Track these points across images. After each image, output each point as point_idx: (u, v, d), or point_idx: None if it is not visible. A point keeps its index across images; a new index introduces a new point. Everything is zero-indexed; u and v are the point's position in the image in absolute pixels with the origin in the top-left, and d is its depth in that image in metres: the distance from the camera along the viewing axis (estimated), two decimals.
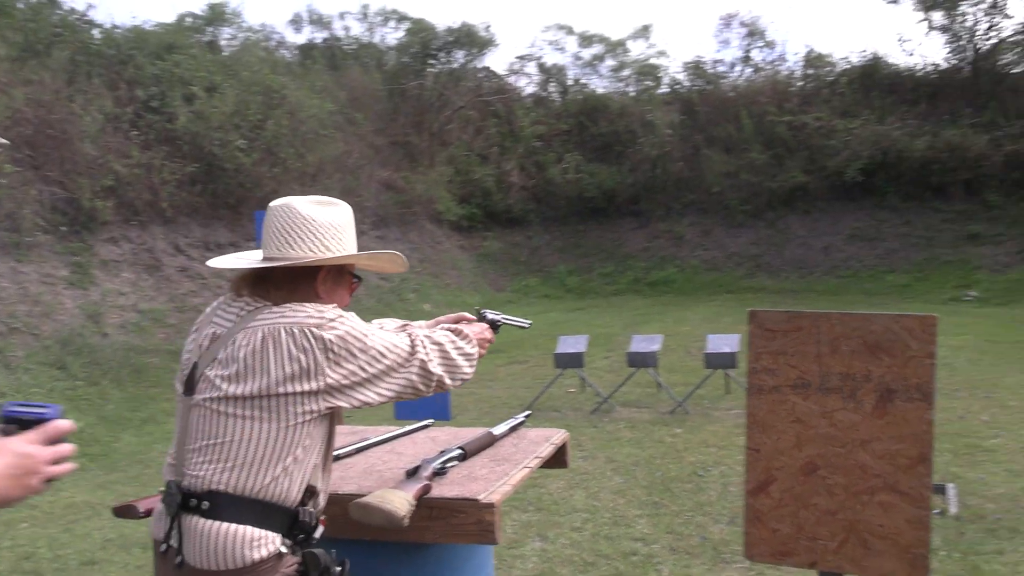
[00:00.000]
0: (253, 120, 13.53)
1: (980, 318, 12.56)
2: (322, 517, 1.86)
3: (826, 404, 3.09)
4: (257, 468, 1.71)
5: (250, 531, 1.69)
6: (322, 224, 1.89)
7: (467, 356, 2.05)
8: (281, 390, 1.72)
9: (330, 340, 1.75)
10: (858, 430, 3.01)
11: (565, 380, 8.90)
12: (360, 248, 2.05)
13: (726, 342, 7.67)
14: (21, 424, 1.37)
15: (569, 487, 5.46)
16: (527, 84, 25.05)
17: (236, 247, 12.99)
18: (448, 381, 1.98)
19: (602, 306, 16.87)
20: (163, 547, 1.76)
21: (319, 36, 22.56)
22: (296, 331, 1.75)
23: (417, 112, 20.96)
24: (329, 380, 1.76)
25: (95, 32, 13.46)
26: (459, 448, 2.45)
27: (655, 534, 4.56)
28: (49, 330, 9.17)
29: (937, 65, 20.97)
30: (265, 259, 1.91)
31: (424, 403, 5.84)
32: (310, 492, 1.81)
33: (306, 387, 1.74)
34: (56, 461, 1.37)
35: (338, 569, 1.80)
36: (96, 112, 11.55)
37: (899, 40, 28.36)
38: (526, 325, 2.67)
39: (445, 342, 1.99)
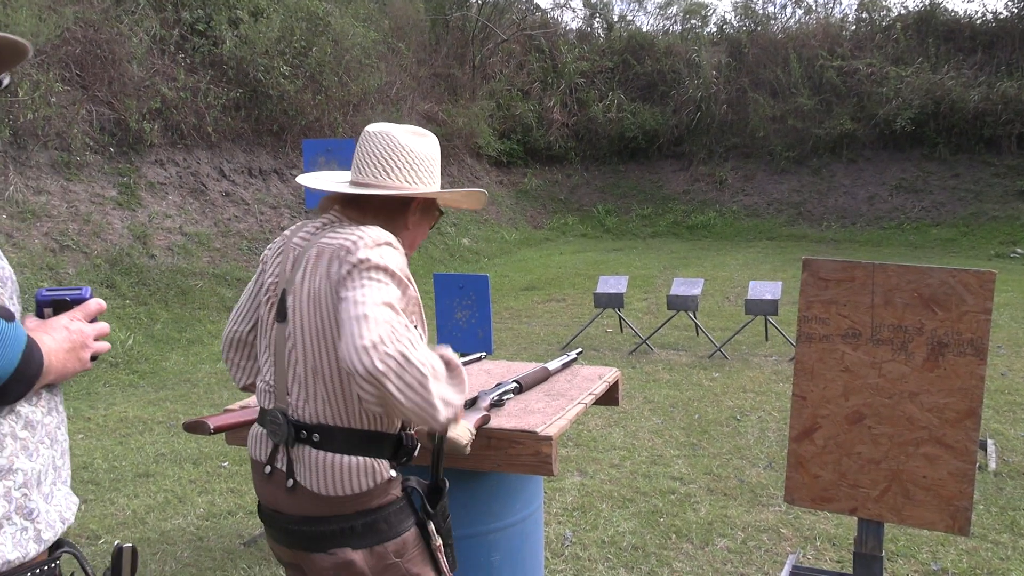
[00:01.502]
0: (298, 47, 13.46)
1: None
2: (416, 431, 1.88)
3: (876, 355, 3.11)
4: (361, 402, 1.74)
5: (362, 461, 1.75)
6: (419, 156, 1.92)
7: (444, 396, 1.63)
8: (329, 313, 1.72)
9: (358, 260, 1.68)
10: (907, 382, 3.02)
11: (603, 320, 8.94)
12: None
13: (768, 289, 7.64)
14: (57, 306, 1.43)
15: (608, 425, 5.54)
16: (572, 19, 24.64)
17: (279, 174, 13.07)
18: (391, 388, 1.52)
19: (640, 248, 16.81)
20: (267, 469, 1.83)
21: None
22: (335, 248, 1.74)
23: (460, 44, 20.71)
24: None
25: None
26: (515, 381, 2.51)
27: (692, 474, 4.63)
28: (99, 249, 9.36)
29: (997, 13, 20.26)
30: (356, 183, 1.93)
31: (466, 338, 5.94)
32: None
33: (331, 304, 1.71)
34: (98, 337, 1.45)
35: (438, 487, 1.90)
36: (143, 33, 11.56)
37: None
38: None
39: (429, 374, 1.57)
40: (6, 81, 1.36)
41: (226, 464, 4.93)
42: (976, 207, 17.04)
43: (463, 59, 20.46)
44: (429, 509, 1.85)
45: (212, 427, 2.20)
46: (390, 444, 1.80)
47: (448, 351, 1.73)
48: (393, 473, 1.80)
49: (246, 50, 12.54)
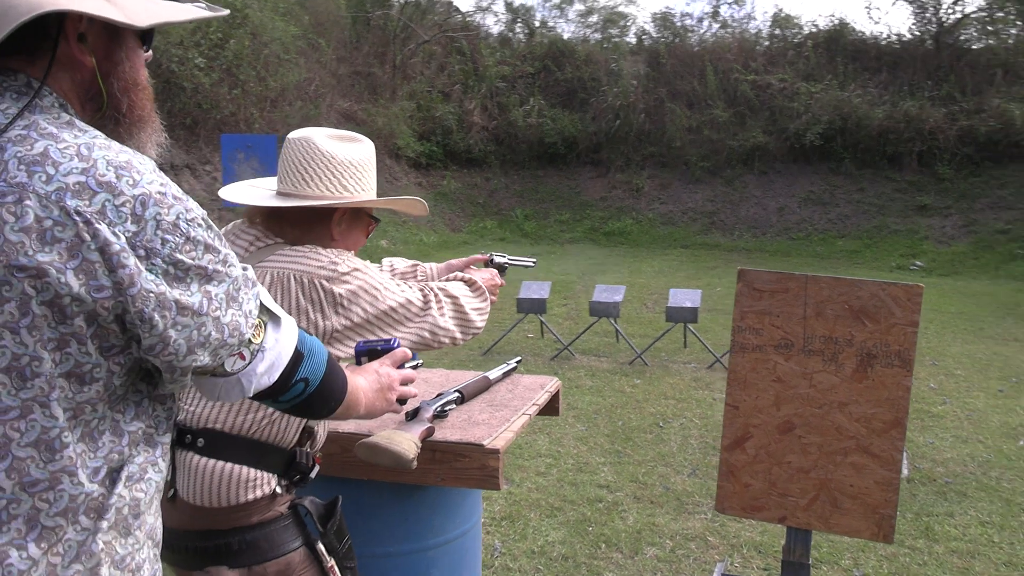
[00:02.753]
0: (214, 39, 13.08)
1: (925, 288, 12.88)
2: (318, 455, 1.84)
3: (807, 365, 3.15)
4: (254, 407, 1.68)
5: (245, 471, 1.66)
6: (341, 162, 1.81)
7: (479, 310, 2.04)
8: None
9: (340, 294, 1.73)
10: (836, 392, 3.08)
11: (524, 325, 8.93)
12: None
13: (688, 296, 7.74)
14: (371, 355, 1.65)
15: (532, 432, 5.51)
16: (494, 23, 24.69)
17: (192, 169, 12.65)
18: (459, 335, 1.96)
19: (558, 253, 16.90)
20: None
21: None
22: (306, 281, 1.71)
23: (381, 43, 20.48)
24: (335, 334, 1.74)
25: None
26: (456, 391, 2.44)
27: (619, 482, 4.63)
28: None
29: (901, 35, 21.17)
30: (279, 193, 1.84)
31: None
32: (307, 433, 1.79)
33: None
34: (404, 382, 1.64)
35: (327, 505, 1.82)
36: None
37: (866, 7, 28.53)
38: (531, 264, 2.70)
39: (460, 295, 1.98)
40: None
41: None
42: (879, 221, 17.73)
43: (384, 58, 20.25)
44: (319, 528, 1.76)
45: None
46: (280, 458, 1.73)
47: (464, 275, 2.14)
48: (278, 489, 1.72)
49: (158, 39, 12.08)
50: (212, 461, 1.65)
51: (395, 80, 20.21)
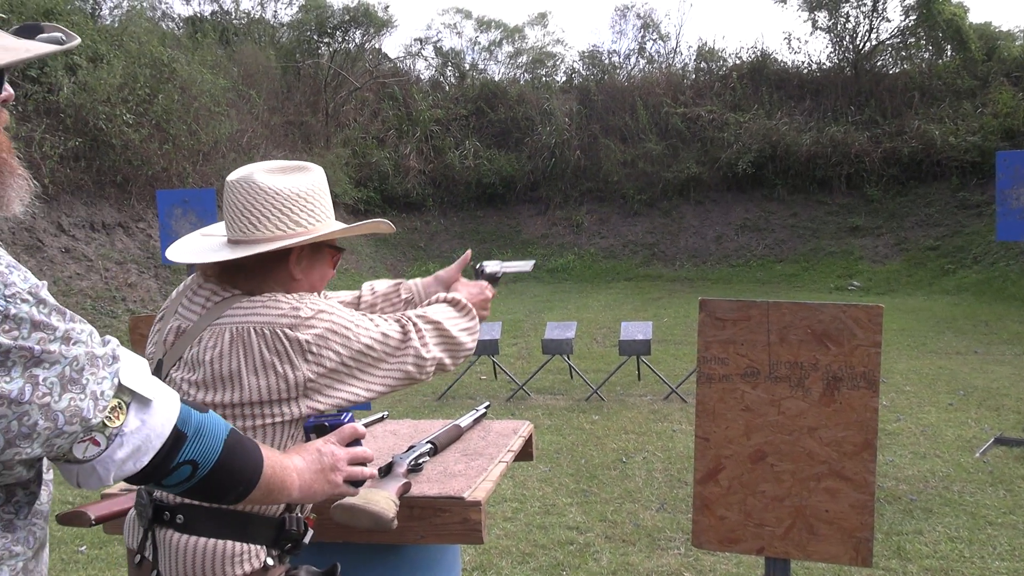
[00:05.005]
0: (142, 94, 12.84)
1: None
2: (310, 518, 1.71)
3: (775, 392, 3.13)
4: None
5: (230, 546, 1.54)
6: (287, 196, 1.66)
7: (467, 330, 1.90)
8: (256, 398, 1.55)
9: (307, 340, 1.57)
10: (805, 418, 3.06)
11: (477, 367, 8.83)
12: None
13: (639, 329, 7.75)
14: (319, 431, 1.54)
15: None
16: (425, 68, 24.80)
17: (124, 228, 12.33)
18: (448, 361, 1.83)
19: (503, 292, 16.86)
20: (137, 558, 1.60)
21: (207, 9, 21.66)
22: (267, 332, 1.56)
23: (312, 92, 20.41)
24: (309, 383, 1.58)
25: None
26: (429, 442, 2.34)
27: (588, 522, 4.55)
28: None
29: (821, 64, 21.88)
30: (229, 241, 1.71)
31: None
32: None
33: (284, 394, 1.57)
34: (354, 462, 1.52)
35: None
36: None
37: (786, 38, 29.54)
38: (529, 268, 2.59)
39: (442, 319, 1.83)
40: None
41: (84, 549, 4.46)
42: (814, 244, 18.14)
43: (316, 107, 20.17)
44: None
45: (93, 517, 1.93)
46: (268, 528, 1.60)
47: (447, 295, 2.01)
48: (270, 561, 1.59)
49: (85, 97, 11.84)
50: (193, 538, 1.54)
51: (329, 128, 20.12)
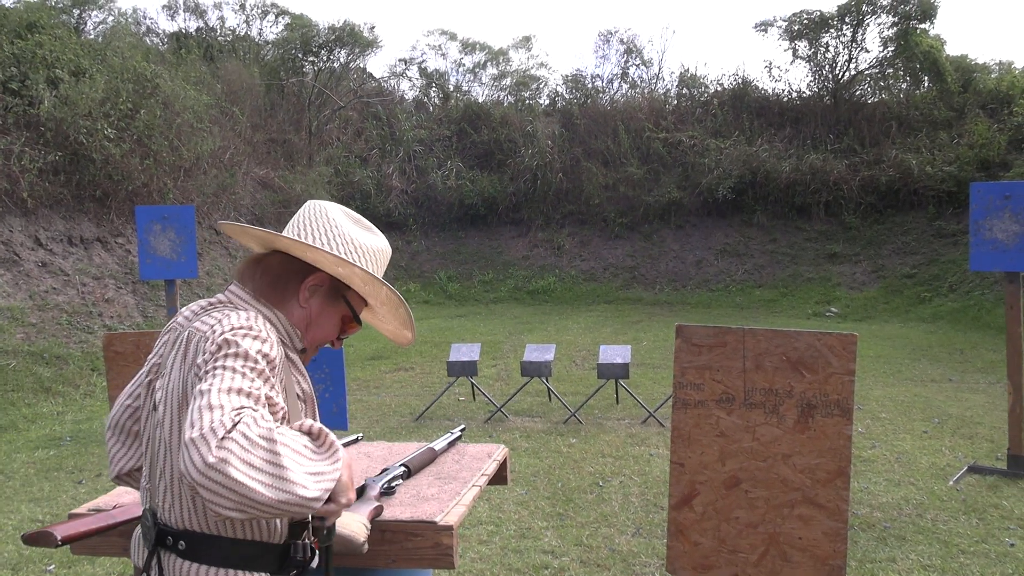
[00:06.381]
0: (124, 109, 12.78)
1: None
2: (315, 540, 1.67)
3: (749, 419, 3.15)
4: None
5: (232, 574, 1.53)
6: (346, 235, 1.74)
7: (317, 476, 1.39)
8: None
9: (222, 340, 1.48)
10: (780, 444, 3.07)
11: (455, 388, 8.81)
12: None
13: (618, 353, 7.76)
14: None
15: None
16: (409, 88, 24.88)
17: (103, 242, 12.23)
18: (237, 476, 1.26)
19: (483, 313, 16.86)
20: None
21: (192, 25, 21.66)
22: (200, 334, 1.55)
23: (296, 110, 20.41)
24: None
25: None
26: (402, 465, 2.34)
27: (563, 546, 4.53)
28: None
29: (801, 92, 22.14)
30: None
31: (319, 412, 5.64)
32: (300, 525, 1.63)
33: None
34: None
35: None
36: None
37: (767, 66, 29.89)
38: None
39: (291, 445, 1.37)
40: None
41: (52, 568, 4.39)
42: (793, 270, 18.27)
43: (299, 125, 20.16)
44: None
45: (59, 538, 1.90)
46: (272, 555, 1.58)
47: (309, 422, 1.46)
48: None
49: (66, 111, 11.78)
50: (196, 565, 1.52)
51: (311, 146, 20.11)
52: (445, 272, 19.84)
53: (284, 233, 1.74)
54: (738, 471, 3.18)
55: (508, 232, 21.10)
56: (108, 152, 12.22)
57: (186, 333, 1.60)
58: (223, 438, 1.25)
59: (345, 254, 1.75)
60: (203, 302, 1.71)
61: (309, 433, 1.43)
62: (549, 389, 8.30)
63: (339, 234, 1.76)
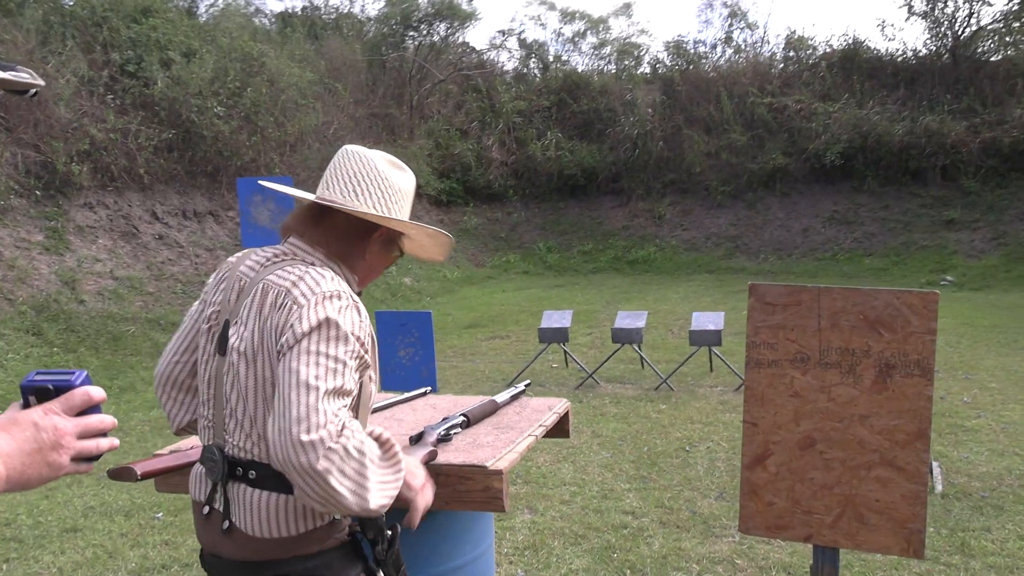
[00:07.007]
0: (232, 87, 13.29)
1: (956, 302, 12.68)
2: None
3: (825, 379, 3.08)
4: None
5: (295, 499, 1.62)
6: (394, 186, 1.81)
7: (384, 485, 1.56)
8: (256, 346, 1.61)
9: (323, 319, 1.55)
10: (856, 405, 3.00)
11: (548, 355, 8.88)
12: None
13: (711, 320, 7.67)
14: (40, 394, 1.18)
15: (556, 460, 5.45)
16: (508, 60, 24.93)
17: (214, 216, 12.81)
18: (334, 484, 1.44)
19: (582, 283, 16.86)
20: (206, 510, 1.71)
21: (297, 4, 22.26)
22: (280, 289, 1.62)
23: (397, 85, 20.74)
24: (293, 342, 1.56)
25: None
26: (462, 415, 2.41)
27: (644, 508, 4.55)
28: (24, 295, 8.99)
29: (917, 51, 21.07)
30: (321, 199, 1.81)
31: (410, 376, 5.80)
32: None
33: (272, 348, 1.59)
34: (86, 434, 1.18)
35: (389, 532, 1.75)
36: (71, 75, 11.29)
37: (880, 25, 28.56)
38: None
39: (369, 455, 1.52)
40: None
41: (160, 515, 4.70)
42: (906, 237, 17.53)
43: (400, 99, 20.49)
44: (379, 556, 1.71)
45: (139, 473, 2.05)
46: None
47: (379, 430, 1.59)
48: (337, 515, 1.67)
49: (178, 91, 12.33)
50: (266, 493, 1.62)
51: (412, 120, 20.42)
52: (545, 243, 19.90)
53: (334, 186, 1.79)
54: (813, 431, 3.13)
55: (608, 202, 20.96)
56: (218, 129, 12.75)
57: (260, 284, 1.66)
58: (330, 448, 1.42)
59: (401, 211, 1.84)
60: (265, 252, 1.79)
61: (378, 441, 1.58)
62: (641, 356, 8.28)
63: (389, 186, 1.81)
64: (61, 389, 1.18)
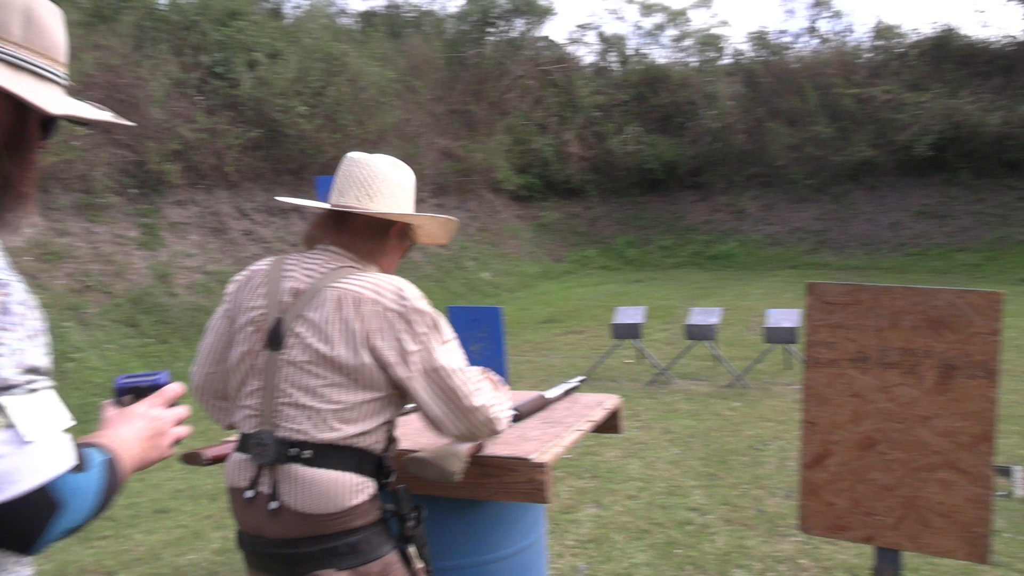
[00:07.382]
0: (314, 87, 13.66)
1: None
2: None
3: (885, 379, 3.05)
4: (356, 423, 1.80)
5: (351, 477, 1.78)
6: (398, 183, 2.00)
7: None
8: (367, 360, 1.79)
9: (431, 322, 1.86)
10: (918, 406, 2.96)
11: (622, 351, 8.89)
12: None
13: (786, 316, 7.57)
14: (137, 393, 1.41)
15: (625, 456, 5.48)
16: (586, 53, 24.83)
17: (299, 212, 13.20)
18: (499, 429, 2.03)
19: (661, 279, 16.75)
20: (249, 493, 1.84)
21: (380, 3, 22.63)
22: (360, 297, 1.82)
23: (476, 81, 20.91)
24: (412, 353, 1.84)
25: None
26: (513, 410, 2.49)
27: (710, 505, 4.56)
28: (121, 288, 9.47)
29: (1014, 37, 20.16)
30: (338, 207, 1.97)
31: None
32: (391, 440, 1.93)
33: (394, 358, 1.81)
34: (178, 423, 1.42)
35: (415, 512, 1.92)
36: (163, 77, 11.79)
37: (974, 11, 27.39)
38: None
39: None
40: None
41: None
42: (1002, 231, 16.85)
43: (479, 95, 20.66)
44: (408, 533, 1.86)
45: (208, 457, 2.20)
46: (373, 463, 1.84)
47: (490, 372, 2.12)
48: (376, 492, 1.84)
49: (263, 91, 12.75)
50: (320, 470, 1.77)
51: (491, 116, 20.57)
52: (624, 238, 19.82)
53: (348, 192, 1.95)
54: (873, 432, 3.10)
55: (688, 196, 20.74)
56: (301, 128, 13.13)
57: (336, 293, 1.83)
58: (501, 410, 1.99)
59: (408, 205, 2.03)
60: (313, 258, 1.93)
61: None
62: (715, 353, 8.22)
63: (396, 185, 2.00)
64: (154, 387, 1.42)
